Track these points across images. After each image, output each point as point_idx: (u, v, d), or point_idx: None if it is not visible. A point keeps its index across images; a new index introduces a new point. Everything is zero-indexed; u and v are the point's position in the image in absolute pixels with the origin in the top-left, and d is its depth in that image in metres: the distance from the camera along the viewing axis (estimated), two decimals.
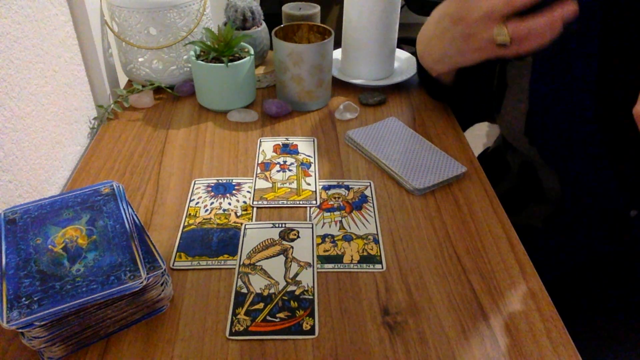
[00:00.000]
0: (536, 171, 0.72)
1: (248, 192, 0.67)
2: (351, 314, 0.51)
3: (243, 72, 0.80)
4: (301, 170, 0.71)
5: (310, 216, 0.63)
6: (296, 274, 0.55)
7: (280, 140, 0.77)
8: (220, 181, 0.69)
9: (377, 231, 0.61)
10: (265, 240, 0.59)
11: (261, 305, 0.52)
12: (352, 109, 0.83)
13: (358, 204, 0.65)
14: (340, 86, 0.91)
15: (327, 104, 0.87)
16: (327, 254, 0.58)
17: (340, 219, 0.63)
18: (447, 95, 0.83)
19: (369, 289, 0.54)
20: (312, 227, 0.61)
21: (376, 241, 0.60)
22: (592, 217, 0.68)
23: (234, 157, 0.74)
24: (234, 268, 0.56)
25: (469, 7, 0.57)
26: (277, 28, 0.83)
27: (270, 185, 0.68)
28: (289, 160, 0.73)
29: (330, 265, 0.57)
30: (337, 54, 0.94)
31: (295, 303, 0.52)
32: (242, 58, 0.80)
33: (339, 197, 0.66)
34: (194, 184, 0.68)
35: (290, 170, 0.71)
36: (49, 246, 0.48)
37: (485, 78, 0.75)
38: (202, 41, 0.82)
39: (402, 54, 0.97)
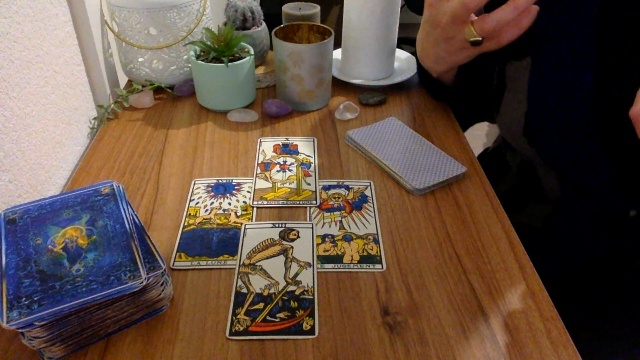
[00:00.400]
0: (535, 171, 0.72)
1: (248, 192, 0.67)
2: (351, 314, 0.51)
3: (243, 72, 0.80)
4: (301, 170, 0.71)
5: (310, 216, 0.63)
6: (296, 274, 0.55)
7: (280, 140, 0.77)
8: (220, 181, 0.69)
9: (377, 231, 0.61)
10: (265, 240, 0.59)
11: (261, 305, 0.52)
12: (352, 109, 0.83)
13: (358, 204, 0.65)
14: (340, 86, 0.91)
15: (327, 104, 0.87)
16: (327, 254, 0.58)
17: (340, 219, 0.63)
18: (447, 96, 0.83)
19: (369, 289, 0.54)
20: (312, 227, 0.61)
21: (376, 241, 0.60)
22: (591, 217, 0.68)
23: (234, 157, 0.74)
24: (234, 268, 0.56)
25: (437, 13, 0.61)
26: (277, 28, 0.83)
27: (270, 185, 0.68)
28: (289, 160, 0.73)
29: (330, 265, 0.57)
30: (337, 54, 0.94)
31: (295, 303, 0.52)
32: (242, 58, 0.80)
33: (339, 197, 0.66)
34: (194, 184, 0.68)
35: (290, 170, 0.71)
36: (49, 246, 0.48)
37: (484, 78, 0.75)
38: (202, 41, 0.82)
39: (402, 54, 0.97)
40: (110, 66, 0.87)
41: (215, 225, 0.62)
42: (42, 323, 0.43)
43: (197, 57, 0.81)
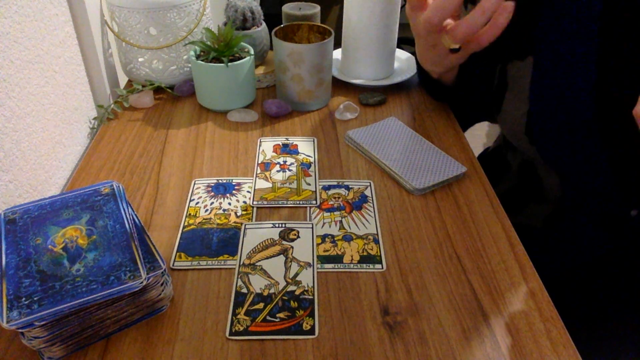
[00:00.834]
0: (536, 171, 0.72)
1: (248, 192, 0.67)
2: (351, 314, 0.51)
3: (243, 72, 0.80)
4: (301, 170, 0.71)
5: (310, 216, 0.63)
6: (296, 274, 0.55)
7: (280, 140, 0.77)
8: (220, 181, 0.69)
9: (377, 231, 0.61)
10: (265, 240, 0.59)
11: (261, 305, 0.52)
12: (352, 109, 0.83)
13: (358, 204, 0.65)
14: (340, 86, 0.91)
15: (327, 104, 0.87)
16: (327, 254, 0.58)
17: (340, 219, 0.63)
18: (448, 96, 0.83)
19: (369, 289, 0.54)
20: (312, 227, 0.61)
21: (376, 241, 0.60)
22: (592, 216, 0.68)
23: (234, 157, 0.74)
24: (234, 268, 0.56)
25: (415, 24, 0.63)
26: (277, 28, 0.83)
27: (270, 185, 0.68)
28: (289, 160, 0.73)
29: (330, 265, 0.57)
30: (337, 54, 0.94)
31: (295, 303, 0.52)
32: (242, 58, 0.80)
33: (339, 197, 0.66)
34: (194, 184, 0.68)
35: (290, 170, 0.71)
36: (49, 246, 0.48)
37: (485, 78, 0.75)
38: (202, 41, 0.82)
39: (402, 54, 0.97)
40: (110, 66, 0.87)
41: (215, 225, 0.62)
42: (42, 323, 0.43)
43: (197, 57, 0.81)
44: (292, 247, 0.59)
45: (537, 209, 0.73)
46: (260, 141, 0.77)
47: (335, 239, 0.60)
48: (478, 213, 0.64)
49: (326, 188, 0.68)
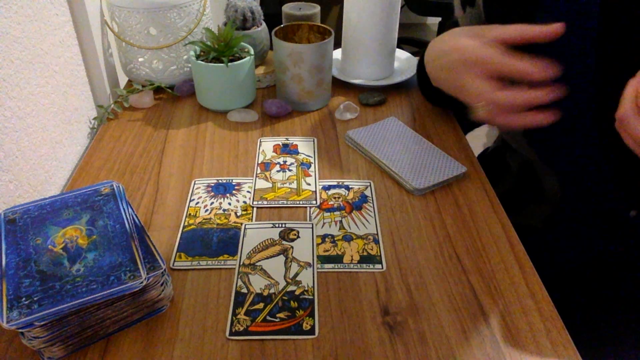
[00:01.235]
0: (535, 172, 0.72)
1: (248, 192, 0.67)
2: (351, 314, 0.51)
3: (243, 72, 0.80)
4: (301, 170, 0.71)
5: (310, 216, 0.63)
6: (296, 274, 0.55)
7: (280, 140, 0.77)
8: (220, 181, 0.69)
9: (377, 231, 0.61)
10: (265, 240, 0.59)
11: (261, 305, 0.52)
12: (352, 109, 0.83)
13: (358, 204, 0.65)
14: (340, 86, 0.91)
15: (327, 104, 0.87)
16: (327, 254, 0.58)
17: (340, 219, 0.63)
18: (446, 103, 0.83)
19: (369, 289, 0.54)
20: (312, 227, 0.61)
21: (376, 241, 0.60)
22: (591, 217, 0.68)
23: (234, 157, 0.74)
24: (234, 268, 0.56)
25: (464, 71, 0.57)
26: (277, 28, 0.83)
27: (270, 185, 0.68)
28: (289, 160, 0.73)
29: (330, 265, 0.57)
30: (337, 54, 0.94)
31: (295, 303, 0.52)
32: (242, 58, 0.80)
33: (339, 197, 0.66)
34: (194, 184, 0.68)
35: (290, 170, 0.71)
36: (49, 246, 0.48)
37: None
38: (202, 41, 0.82)
39: (402, 54, 0.97)
40: (110, 66, 0.87)
41: (215, 225, 0.62)
42: (42, 323, 0.43)
43: (197, 57, 0.81)
44: (292, 247, 0.59)
45: (537, 209, 0.73)
46: (260, 141, 0.77)
47: (335, 239, 0.60)
48: (478, 213, 0.64)
49: (326, 188, 0.68)
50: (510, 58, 0.52)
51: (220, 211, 0.64)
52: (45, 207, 0.53)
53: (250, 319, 0.51)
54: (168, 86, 0.88)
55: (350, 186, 0.68)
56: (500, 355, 0.48)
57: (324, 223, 0.62)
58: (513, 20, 0.56)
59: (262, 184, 0.68)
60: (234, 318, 0.51)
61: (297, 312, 0.51)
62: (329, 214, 0.64)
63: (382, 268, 0.56)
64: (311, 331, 0.49)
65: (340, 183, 0.69)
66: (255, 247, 0.59)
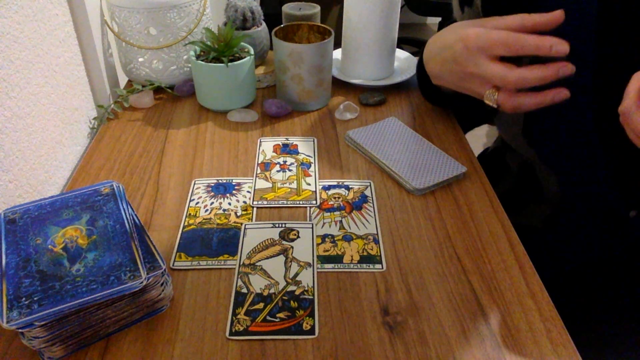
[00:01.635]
0: (535, 172, 0.72)
1: (248, 192, 0.67)
2: (351, 314, 0.51)
3: (243, 72, 0.80)
4: (301, 170, 0.71)
5: (310, 216, 0.63)
6: (296, 274, 0.55)
7: (280, 140, 0.77)
8: (220, 181, 0.69)
9: (377, 231, 0.61)
10: (265, 240, 0.59)
11: (261, 305, 0.52)
12: (352, 109, 0.83)
13: (358, 204, 0.65)
14: (340, 86, 0.91)
15: (327, 104, 0.87)
16: (327, 254, 0.58)
17: (340, 219, 0.63)
18: (445, 102, 0.83)
19: (369, 289, 0.54)
20: (312, 227, 0.61)
21: (376, 241, 0.60)
22: (591, 217, 0.68)
23: (234, 157, 0.74)
24: (234, 268, 0.56)
25: (469, 58, 0.57)
26: (277, 28, 0.83)
27: (270, 185, 0.68)
28: (289, 160, 0.73)
29: (330, 265, 0.57)
30: (337, 54, 0.94)
31: (295, 303, 0.52)
32: (242, 58, 0.80)
33: (339, 197, 0.66)
34: (194, 184, 0.68)
35: (290, 170, 0.71)
36: (49, 246, 0.48)
37: None
38: (202, 41, 0.82)
39: (402, 54, 0.97)
40: (110, 66, 0.87)
41: (215, 225, 0.62)
42: (42, 323, 0.43)
43: (197, 57, 0.81)
44: (292, 247, 0.59)
45: (537, 209, 0.73)
46: (260, 141, 0.77)
47: (335, 239, 0.60)
48: (478, 213, 0.64)
49: (326, 188, 0.68)
50: (520, 35, 0.52)
51: (220, 211, 0.64)
52: (45, 207, 0.53)
53: (250, 319, 0.51)
54: (168, 86, 0.88)
55: (350, 186, 0.68)
56: (500, 355, 0.48)
57: (324, 223, 0.62)
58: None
59: (262, 184, 0.68)
60: (234, 318, 0.51)
61: (297, 312, 0.51)
62: (329, 214, 0.64)
63: (382, 268, 0.56)
64: (311, 331, 0.49)
65: (340, 183, 0.69)
66: (255, 247, 0.59)
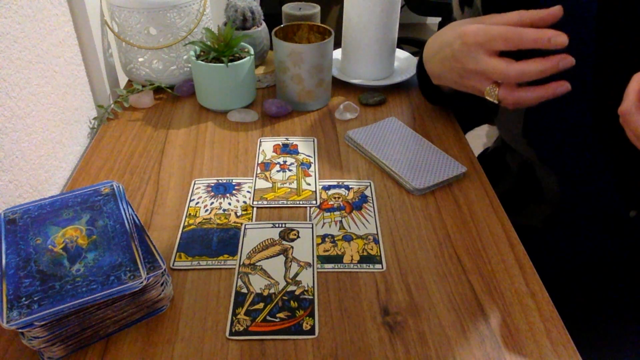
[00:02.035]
0: (535, 172, 0.72)
1: (248, 192, 0.67)
2: (351, 314, 0.51)
3: (243, 72, 0.80)
4: (301, 170, 0.71)
5: (310, 216, 0.63)
6: (296, 274, 0.55)
7: (280, 140, 0.77)
8: (220, 181, 0.69)
9: (377, 231, 0.61)
10: (265, 240, 0.59)
11: (261, 305, 0.52)
12: (352, 109, 0.83)
13: (358, 204, 0.65)
14: (340, 86, 0.91)
15: (327, 104, 0.87)
16: (327, 254, 0.58)
17: (340, 219, 0.63)
18: (445, 101, 0.83)
19: (369, 289, 0.54)
20: (312, 227, 0.61)
21: (376, 241, 0.60)
22: (591, 217, 0.68)
23: (234, 157, 0.74)
24: (234, 268, 0.56)
25: (468, 55, 0.57)
26: (277, 28, 0.83)
27: (270, 185, 0.68)
28: (289, 160, 0.73)
29: (330, 265, 0.57)
30: (337, 54, 0.94)
31: (295, 303, 0.52)
32: (242, 58, 0.80)
33: (339, 197, 0.66)
34: (194, 184, 0.68)
35: (290, 170, 0.71)
36: (49, 246, 0.48)
37: None
38: (202, 41, 0.82)
39: (402, 54, 0.97)
40: (110, 66, 0.87)
41: (215, 225, 0.62)
42: (42, 323, 0.43)
43: (197, 57, 0.81)
44: (292, 247, 0.59)
45: (537, 209, 0.73)
46: (260, 141, 0.77)
47: (335, 239, 0.60)
48: (478, 213, 0.64)
49: (326, 188, 0.68)
50: (518, 28, 0.52)
51: (220, 211, 0.64)
52: (45, 207, 0.53)
53: (250, 319, 0.51)
54: (168, 86, 0.88)
55: (350, 186, 0.68)
56: (500, 355, 0.48)
57: (324, 223, 0.62)
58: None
59: (262, 184, 0.68)
60: (234, 318, 0.51)
61: (297, 312, 0.51)
62: (329, 214, 0.64)
63: (382, 268, 0.56)
64: (311, 331, 0.49)
65: (340, 183, 0.69)
66: (255, 247, 0.59)
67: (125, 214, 0.52)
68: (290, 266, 0.56)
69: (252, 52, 0.83)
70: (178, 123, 0.81)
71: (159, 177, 0.69)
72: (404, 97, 0.88)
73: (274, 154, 0.74)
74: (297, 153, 0.74)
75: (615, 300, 0.70)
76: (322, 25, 0.84)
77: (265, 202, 0.65)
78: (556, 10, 0.51)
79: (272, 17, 1.04)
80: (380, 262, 0.57)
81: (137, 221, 0.53)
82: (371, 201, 0.65)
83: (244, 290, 0.53)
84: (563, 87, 0.52)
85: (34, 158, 0.65)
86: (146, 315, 0.50)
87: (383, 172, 0.71)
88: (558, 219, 0.70)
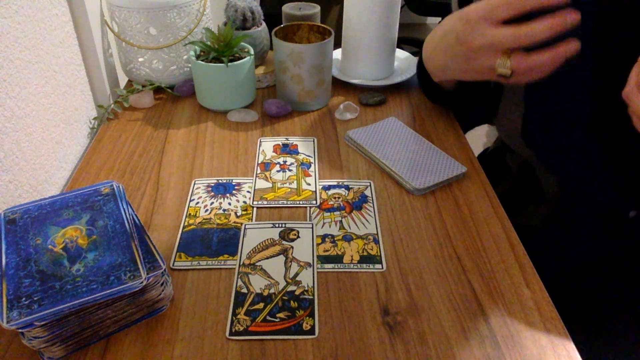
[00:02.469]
0: (535, 172, 0.72)
1: (248, 192, 0.67)
2: (351, 314, 0.51)
3: (243, 72, 0.80)
4: (301, 170, 0.71)
5: (310, 216, 0.63)
6: (296, 274, 0.55)
7: (280, 140, 0.77)
8: (220, 181, 0.69)
9: (377, 231, 0.61)
10: (265, 240, 0.59)
11: (261, 305, 0.52)
12: (352, 109, 0.83)
13: (358, 204, 0.65)
14: (340, 86, 0.91)
15: (327, 104, 0.87)
16: (327, 254, 0.58)
17: (340, 219, 0.63)
18: (446, 100, 0.83)
19: (369, 289, 0.54)
20: (312, 227, 0.61)
21: (376, 241, 0.60)
22: (591, 218, 0.68)
23: (234, 157, 0.74)
24: (234, 268, 0.56)
25: (473, 32, 0.56)
26: (277, 28, 0.83)
27: (270, 185, 0.68)
28: (289, 160, 0.73)
29: (330, 265, 0.57)
30: (337, 54, 0.94)
31: (295, 303, 0.52)
32: (242, 58, 0.80)
33: (339, 197, 0.66)
34: (194, 184, 0.68)
35: (290, 170, 0.71)
36: (49, 246, 0.48)
37: (482, 82, 0.74)
38: (202, 41, 0.82)
39: (402, 54, 0.97)
40: (110, 66, 0.87)
41: (215, 225, 0.62)
42: (42, 323, 0.43)
43: (197, 57, 0.81)
44: (292, 247, 0.59)
45: (537, 210, 0.73)
46: (260, 141, 0.77)
47: (335, 239, 0.60)
48: (478, 213, 0.64)
49: (326, 188, 0.68)
50: None
51: (220, 211, 0.64)
52: (45, 207, 0.53)
53: (250, 319, 0.51)
54: (168, 86, 0.88)
55: (350, 186, 0.68)
56: (500, 355, 0.48)
57: (324, 223, 0.62)
58: (509, 21, 0.56)
59: (262, 184, 0.68)
60: (234, 318, 0.51)
61: (297, 312, 0.51)
62: (329, 214, 0.64)
63: (382, 268, 0.56)
64: (311, 331, 0.49)
65: (340, 183, 0.69)
66: (255, 247, 0.59)
67: (125, 214, 0.52)
68: (290, 266, 0.56)
69: (252, 52, 0.83)
70: (178, 123, 0.81)
71: (159, 177, 0.69)
72: (404, 97, 0.88)
73: (274, 154, 0.74)
74: (297, 153, 0.74)
75: (615, 300, 0.70)
76: (322, 25, 0.84)
77: (265, 202, 0.65)
78: None
79: (272, 17, 1.04)
80: (380, 262, 0.57)
81: (137, 221, 0.53)
82: (371, 201, 0.65)
83: (244, 290, 0.53)
84: (572, 45, 0.51)
85: (34, 158, 0.65)
86: (146, 315, 0.50)
87: (383, 172, 0.71)
88: (558, 219, 0.70)
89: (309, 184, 0.68)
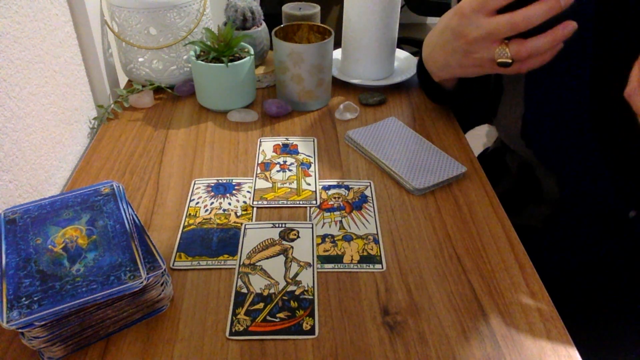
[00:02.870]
0: (535, 172, 0.72)
1: (248, 192, 0.67)
2: (351, 314, 0.51)
3: (243, 72, 0.80)
4: (301, 170, 0.71)
5: (310, 216, 0.63)
6: (296, 274, 0.55)
7: (280, 140, 0.77)
8: (220, 181, 0.69)
9: (377, 231, 0.61)
10: (265, 240, 0.59)
11: (261, 305, 0.52)
12: (352, 109, 0.83)
13: (358, 204, 0.65)
14: (340, 86, 0.91)
15: (327, 104, 0.87)
16: (327, 254, 0.58)
17: (340, 219, 0.63)
18: (447, 100, 0.83)
19: (369, 289, 0.54)
20: (312, 227, 0.61)
21: (376, 241, 0.60)
22: (591, 218, 0.68)
23: (234, 157, 0.74)
24: (234, 268, 0.56)
25: (469, 24, 0.57)
26: (277, 28, 0.83)
27: (270, 185, 0.68)
28: (289, 160, 0.73)
29: (330, 265, 0.57)
30: (337, 54, 0.94)
31: (295, 303, 0.52)
32: (242, 58, 0.80)
33: (339, 197, 0.66)
34: (194, 184, 0.68)
35: (290, 170, 0.71)
36: (49, 246, 0.48)
37: (482, 81, 0.75)
38: (202, 41, 0.82)
39: (402, 54, 0.97)
40: (110, 66, 0.87)
41: (215, 225, 0.62)
42: (42, 323, 0.43)
43: (197, 57, 0.81)
44: (292, 247, 0.59)
45: (536, 210, 0.73)
46: (260, 141, 0.77)
47: (335, 239, 0.60)
48: (478, 213, 0.64)
49: (326, 188, 0.68)
50: None
51: (220, 211, 0.64)
52: (45, 207, 0.53)
53: (250, 319, 0.51)
54: (168, 86, 0.88)
55: (350, 186, 0.68)
56: (500, 355, 0.48)
57: (324, 223, 0.62)
58: (504, 10, 0.55)
59: (262, 184, 0.68)
60: (234, 318, 0.51)
61: (297, 312, 0.51)
62: (329, 214, 0.64)
63: (382, 268, 0.56)
64: (311, 331, 0.49)
65: (340, 183, 0.69)
66: (255, 247, 0.59)
67: (125, 214, 0.52)
68: (290, 266, 0.56)
69: (252, 52, 0.83)
70: (178, 123, 0.81)
71: (159, 177, 0.69)
72: (404, 97, 0.88)
73: (274, 154, 0.74)
74: (297, 153, 0.74)
75: (615, 300, 0.70)
76: (322, 25, 0.84)
77: (265, 202, 0.65)
78: None
79: (272, 17, 1.04)
80: (380, 262, 0.57)
81: (137, 221, 0.53)
82: (371, 201, 0.65)
83: (244, 290, 0.53)
84: (570, 26, 0.51)
85: (34, 158, 0.65)
86: (146, 315, 0.50)
87: (383, 172, 0.71)
88: (558, 219, 0.71)
89: (309, 184, 0.68)
